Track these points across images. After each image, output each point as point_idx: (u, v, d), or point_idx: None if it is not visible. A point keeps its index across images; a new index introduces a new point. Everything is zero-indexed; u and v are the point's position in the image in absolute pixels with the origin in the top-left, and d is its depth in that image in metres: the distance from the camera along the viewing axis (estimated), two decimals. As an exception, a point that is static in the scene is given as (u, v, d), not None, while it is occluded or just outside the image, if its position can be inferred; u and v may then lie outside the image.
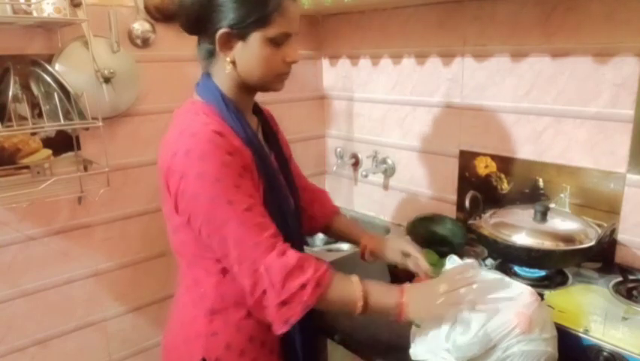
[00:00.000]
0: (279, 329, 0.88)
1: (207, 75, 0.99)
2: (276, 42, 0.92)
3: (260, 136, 1.06)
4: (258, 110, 1.10)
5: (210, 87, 0.97)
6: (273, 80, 0.97)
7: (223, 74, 0.97)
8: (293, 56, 0.95)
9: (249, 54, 0.92)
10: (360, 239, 1.23)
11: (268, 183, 0.96)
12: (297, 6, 0.94)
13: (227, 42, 0.92)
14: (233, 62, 0.94)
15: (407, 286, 0.96)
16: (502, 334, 0.89)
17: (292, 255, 0.88)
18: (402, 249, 1.15)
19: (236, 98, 0.98)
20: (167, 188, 0.92)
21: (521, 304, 0.93)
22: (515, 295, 0.94)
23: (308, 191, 1.27)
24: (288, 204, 1.04)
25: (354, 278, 0.94)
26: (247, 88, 0.99)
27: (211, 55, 0.96)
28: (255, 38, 0.91)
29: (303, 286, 0.86)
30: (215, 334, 0.98)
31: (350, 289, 0.92)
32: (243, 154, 0.91)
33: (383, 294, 0.94)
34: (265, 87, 0.99)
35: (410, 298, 0.93)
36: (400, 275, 1.33)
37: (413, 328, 1.04)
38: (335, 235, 1.32)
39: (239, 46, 0.92)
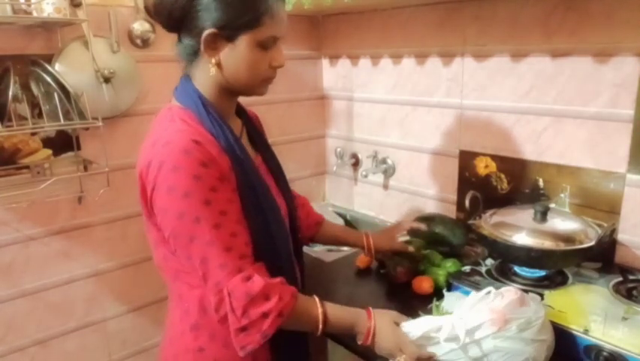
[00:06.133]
0: (239, 353, 0.86)
1: (186, 78, 0.95)
2: (264, 45, 0.89)
3: (245, 139, 1.03)
4: (240, 112, 1.06)
5: (188, 91, 0.93)
6: (259, 85, 0.94)
7: (205, 77, 0.92)
8: (280, 61, 0.92)
9: (236, 57, 0.89)
10: (362, 239, 1.32)
11: (250, 188, 0.92)
12: (285, 9, 0.92)
13: (213, 43, 0.88)
14: (219, 65, 0.90)
15: (376, 312, 0.97)
16: (476, 330, 0.89)
17: (257, 281, 0.84)
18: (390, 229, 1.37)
19: (218, 101, 0.94)
20: (144, 198, 0.89)
21: (496, 301, 0.93)
22: (490, 295, 0.95)
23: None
24: (274, 207, 0.98)
25: (316, 301, 0.94)
26: (230, 91, 0.95)
27: (193, 55, 0.92)
28: (243, 41, 0.87)
29: (264, 315, 0.84)
30: (201, 350, 0.95)
31: (312, 313, 0.92)
32: (220, 163, 0.86)
33: (344, 315, 0.96)
34: (249, 92, 0.95)
35: (379, 326, 0.95)
36: (397, 278, 1.33)
37: None
38: (328, 241, 1.35)
39: (225, 48, 0.88)
